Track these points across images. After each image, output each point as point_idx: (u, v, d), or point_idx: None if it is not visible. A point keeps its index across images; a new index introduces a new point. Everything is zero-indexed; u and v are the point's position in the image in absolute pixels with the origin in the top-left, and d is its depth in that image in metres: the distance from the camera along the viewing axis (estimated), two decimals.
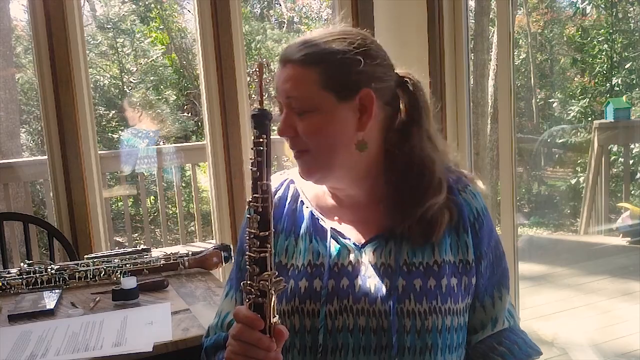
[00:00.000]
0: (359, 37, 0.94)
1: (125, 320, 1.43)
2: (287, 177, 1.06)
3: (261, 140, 0.80)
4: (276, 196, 1.04)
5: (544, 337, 3.02)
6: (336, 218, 1.00)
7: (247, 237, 0.82)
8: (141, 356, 1.27)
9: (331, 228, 0.98)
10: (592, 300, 3.51)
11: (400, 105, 0.98)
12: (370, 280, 0.93)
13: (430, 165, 0.95)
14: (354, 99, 0.92)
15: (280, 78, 0.93)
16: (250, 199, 0.82)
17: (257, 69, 0.83)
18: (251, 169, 0.81)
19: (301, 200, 1.03)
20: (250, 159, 0.81)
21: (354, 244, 0.96)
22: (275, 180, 1.06)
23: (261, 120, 0.81)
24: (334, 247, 0.96)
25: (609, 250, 4.29)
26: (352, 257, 0.95)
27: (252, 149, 0.81)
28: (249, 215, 0.82)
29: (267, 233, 0.81)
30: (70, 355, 1.26)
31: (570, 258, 4.46)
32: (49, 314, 1.49)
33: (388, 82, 0.96)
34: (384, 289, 0.91)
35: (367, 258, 0.94)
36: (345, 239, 0.97)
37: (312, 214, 1.00)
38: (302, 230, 0.99)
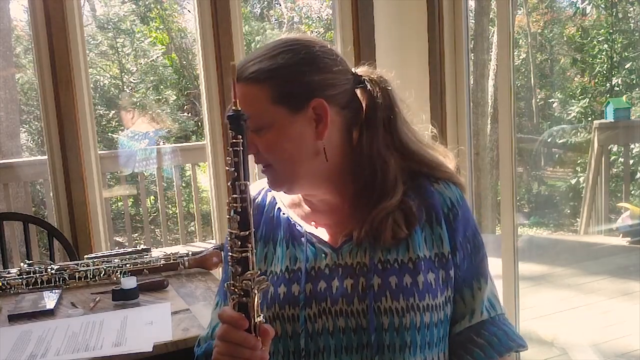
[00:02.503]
0: (304, 47, 0.93)
1: (125, 320, 1.43)
2: (264, 186, 1.06)
3: (237, 140, 0.80)
4: (254, 204, 1.04)
5: (544, 337, 3.02)
6: (313, 222, 1.00)
7: (228, 238, 0.82)
8: (141, 356, 1.27)
9: (307, 232, 0.98)
10: (592, 300, 3.51)
11: (362, 104, 0.98)
12: (346, 281, 0.93)
13: (380, 165, 0.94)
14: (306, 109, 0.91)
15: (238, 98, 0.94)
16: (229, 200, 0.82)
17: (231, 70, 0.83)
18: (228, 170, 0.81)
19: (278, 208, 1.03)
20: (227, 159, 0.81)
21: (330, 246, 0.96)
22: (254, 189, 1.07)
23: (236, 121, 0.81)
24: (310, 251, 0.97)
25: (609, 250, 4.29)
26: (328, 259, 0.95)
27: (228, 149, 0.81)
28: (228, 216, 0.82)
29: (247, 232, 0.81)
30: (70, 355, 1.26)
31: (570, 258, 4.46)
32: (49, 314, 1.49)
33: (342, 86, 0.95)
34: (360, 289, 0.92)
35: (343, 259, 0.95)
36: (321, 242, 0.97)
37: (289, 220, 1.01)
38: (279, 237, 1.00)
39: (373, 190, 0.94)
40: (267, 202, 1.05)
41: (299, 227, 1.00)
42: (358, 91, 0.98)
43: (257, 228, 1.02)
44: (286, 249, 0.98)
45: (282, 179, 0.95)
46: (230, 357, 0.82)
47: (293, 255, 0.97)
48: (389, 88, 0.98)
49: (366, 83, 0.97)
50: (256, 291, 0.81)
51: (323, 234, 0.99)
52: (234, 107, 0.81)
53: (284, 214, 1.02)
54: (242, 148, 0.80)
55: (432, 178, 0.98)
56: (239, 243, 0.81)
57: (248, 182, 0.81)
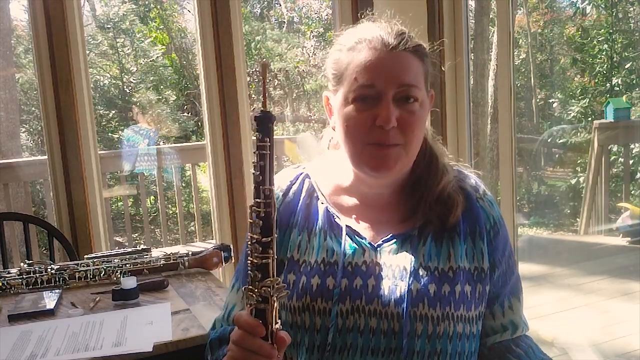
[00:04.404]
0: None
1: (125, 320, 1.43)
2: (302, 172, 1.05)
3: (264, 143, 0.78)
4: (291, 190, 1.02)
5: (544, 337, 3.01)
6: (354, 216, 0.99)
7: (249, 243, 0.80)
8: (141, 356, 1.27)
9: (347, 226, 0.96)
10: (592, 300, 3.51)
11: None
12: (384, 281, 0.92)
13: (436, 154, 0.99)
14: (429, 96, 0.96)
15: (389, 64, 0.90)
16: (253, 204, 0.80)
17: (261, 69, 0.81)
18: (254, 173, 0.79)
19: (316, 196, 1.01)
20: (253, 162, 0.79)
21: (369, 243, 0.95)
22: (290, 173, 1.05)
23: (264, 122, 0.78)
24: (348, 245, 0.95)
25: (609, 250, 4.29)
26: (366, 256, 0.94)
27: (254, 152, 0.78)
28: (250, 220, 0.80)
29: (269, 239, 0.78)
30: (70, 355, 1.26)
31: (570, 258, 4.46)
32: (49, 314, 1.49)
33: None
34: (397, 292, 0.90)
35: (382, 259, 0.93)
36: (360, 237, 0.96)
37: (327, 211, 0.99)
38: (316, 227, 0.98)
39: (429, 175, 0.98)
40: (304, 189, 1.02)
41: (337, 220, 0.97)
42: None
43: (292, 214, 1.00)
44: (323, 240, 0.96)
45: (406, 159, 0.94)
46: None
47: (330, 248, 0.94)
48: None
49: None
50: (275, 298, 0.79)
51: (362, 229, 0.97)
52: (262, 108, 0.78)
53: (322, 203, 1.00)
54: (269, 152, 0.78)
55: (477, 194, 1.00)
56: (260, 249, 0.78)
57: (273, 187, 0.79)
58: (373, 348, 0.90)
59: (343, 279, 0.92)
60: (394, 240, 0.94)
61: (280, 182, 1.04)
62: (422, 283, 0.90)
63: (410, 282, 0.90)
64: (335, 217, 0.98)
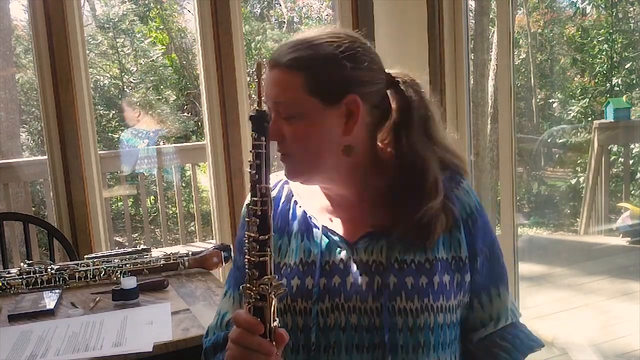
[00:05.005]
0: (347, 40, 0.93)
1: (125, 320, 1.43)
2: (282, 178, 1.06)
3: (260, 142, 0.79)
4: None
5: (543, 337, 3.00)
6: (329, 216, 1.00)
7: (246, 241, 0.81)
8: (141, 356, 1.27)
9: (323, 226, 0.98)
10: (592, 300, 3.51)
11: (393, 105, 0.98)
12: (361, 278, 0.93)
13: (424, 167, 0.94)
14: (340, 104, 0.91)
15: (268, 82, 0.93)
16: (249, 202, 0.81)
17: (256, 68, 0.82)
18: (250, 172, 0.80)
19: (294, 200, 1.03)
20: (249, 161, 0.80)
21: (345, 241, 0.96)
22: (270, 181, 1.06)
23: (260, 122, 0.80)
24: (325, 245, 0.96)
25: (609, 250, 4.29)
26: (343, 254, 0.95)
27: (251, 151, 0.80)
28: (247, 219, 0.81)
29: (266, 237, 0.80)
30: (70, 355, 1.26)
31: (570, 258, 4.46)
32: (49, 314, 1.49)
33: (377, 85, 0.95)
34: (375, 287, 0.91)
35: (358, 256, 0.94)
36: (336, 236, 0.97)
37: (304, 213, 1.00)
38: (294, 229, 0.99)
39: (412, 189, 0.93)
40: (283, 195, 1.04)
41: (314, 221, 0.99)
42: (391, 92, 0.98)
43: (273, 220, 1.01)
44: (300, 242, 0.98)
45: (302, 169, 0.95)
46: None
47: (307, 248, 0.96)
48: (422, 90, 0.99)
49: (400, 85, 0.98)
50: (273, 296, 0.80)
51: (339, 228, 0.98)
52: (257, 108, 0.79)
53: (300, 206, 1.01)
54: (264, 150, 0.79)
55: (453, 183, 0.98)
56: (258, 247, 0.79)
57: (269, 186, 0.80)
58: (357, 344, 0.91)
59: (321, 278, 0.93)
60: (370, 236, 0.95)
61: None
62: (400, 276, 0.91)
63: (387, 276, 0.91)
64: (312, 218, 0.99)
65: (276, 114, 0.93)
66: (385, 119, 0.98)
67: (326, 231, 0.97)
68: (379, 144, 1.00)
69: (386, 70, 0.98)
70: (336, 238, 0.97)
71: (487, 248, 0.98)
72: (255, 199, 0.80)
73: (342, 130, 0.92)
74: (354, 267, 0.94)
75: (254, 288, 0.80)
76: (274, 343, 0.81)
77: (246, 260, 0.81)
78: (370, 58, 0.95)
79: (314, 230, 0.98)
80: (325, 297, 0.92)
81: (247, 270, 0.81)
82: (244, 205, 1.04)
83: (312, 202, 1.02)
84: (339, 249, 0.96)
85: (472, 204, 0.98)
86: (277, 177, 1.08)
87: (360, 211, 0.98)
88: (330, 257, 0.95)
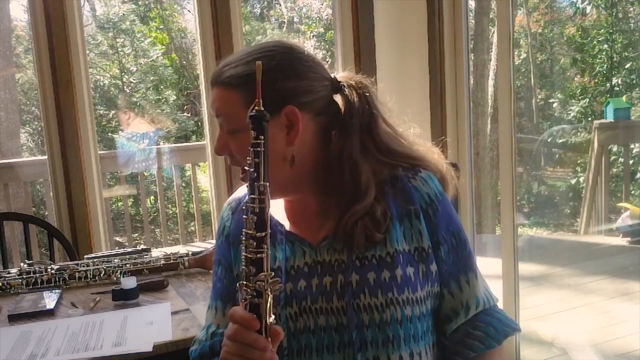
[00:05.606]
0: (280, 53, 0.94)
1: (125, 320, 1.43)
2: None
3: (259, 141, 0.80)
4: (239, 207, 1.06)
5: (543, 337, 3.02)
6: (294, 220, 1.01)
7: (243, 238, 0.82)
8: (141, 356, 1.27)
9: (287, 231, 0.99)
10: (592, 300, 3.51)
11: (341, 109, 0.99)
12: (325, 278, 0.94)
13: (349, 168, 0.95)
14: (279, 116, 0.92)
15: (211, 100, 0.97)
16: (247, 200, 0.82)
17: (255, 69, 0.82)
18: (248, 170, 0.82)
19: None
20: (248, 159, 0.81)
21: (309, 244, 0.97)
22: (240, 191, 1.09)
23: (258, 121, 0.81)
24: (289, 249, 0.98)
25: (609, 250, 4.29)
26: (307, 257, 0.96)
27: (249, 149, 0.81)
28: (245, 217, 0.82)
29: (263, 234, 0.81)
30: (70, 355, 1.26)
31: (570, 258, 4.46)
32: (49, 314, 1.49)
33: (318, 92, 0.96)
34: (339, 286, 0.92)
35: (322, 257, 0.96)
36: (299, 240, 0.98)
37: (271, 219, 1.01)
38: None
39: (343, 192, 0.95)
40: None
41: (279, 227, 1.00)
42: (337, 96, 0.99)
43: (235, 232, 1.03)
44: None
45: None
46: (240, 358, 0.81)
47: (273, 255, 0.97)
48: (367, 93, 0.99)
49: (344, 89, 0.98)
50: (269, 292, 0.81)
51: (302, 232, 0.99)
52: (257, 107, 0.81)
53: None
54: (263, 149, 0.81)
55: (410, 173, 0.98)
56: (254, 244, 0.81)
57: (267, 183, 0.81)
58: (327, 345, 0.92)
59: (287, 283, 0.95)
60: (332, 237, 0.96)
61: (231, 200, 1.10)
62: (361, 273, 0.92)
63: (349, 274, 0.92)
64: (277, 225, 1.01)
65: (221, 130, 0.97)
66: (337, 123, 0.99)
67: (290, 236, 0.99)
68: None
69: (333, 75, 1.00)
70: (300, 242, 0.98)
71: (451, 236, 0.98)
72: (254, 196, 0.81)
73: (284, 142, 0.93)
74: (318, 269, 0.95)
75: (251, 284, 0.81)
76: (269, 339, 0.82)
77: (243, 257, 0.82)
78: (307, 67, 0.96)
79: (279, 236, 0.99)
80: (292, 301, 0.94)
81: (243, 267, 0.82)
82: (220, 217, 1.08)
83: (276, 207, 1.03)
84: (303, 252, 0.97)
85: (431, 193, 0.97)
86: (242, 189, 1.09)
87: (322, 214, 0.98)
88: (295, 261, 0.97)
